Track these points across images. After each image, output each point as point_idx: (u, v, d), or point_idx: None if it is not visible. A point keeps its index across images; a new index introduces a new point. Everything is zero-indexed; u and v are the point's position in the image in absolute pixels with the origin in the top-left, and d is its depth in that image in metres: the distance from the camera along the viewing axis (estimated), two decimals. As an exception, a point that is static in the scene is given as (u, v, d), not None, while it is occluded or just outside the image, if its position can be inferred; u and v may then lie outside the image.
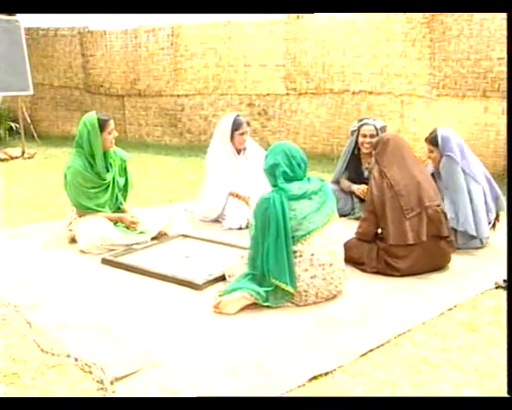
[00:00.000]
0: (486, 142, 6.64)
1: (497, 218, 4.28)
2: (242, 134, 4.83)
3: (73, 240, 4.07)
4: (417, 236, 3.51)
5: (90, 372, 2.35)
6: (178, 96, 9.06)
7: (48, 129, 10.21)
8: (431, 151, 4.19)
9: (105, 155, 4.19)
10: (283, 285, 2.98)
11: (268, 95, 8.35)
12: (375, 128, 4.74)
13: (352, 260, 3.71)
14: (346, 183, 4.89)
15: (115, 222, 4.14)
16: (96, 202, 4.12)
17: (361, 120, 4.95)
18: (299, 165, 3.15)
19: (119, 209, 4.29)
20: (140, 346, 2.59)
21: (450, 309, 3.08)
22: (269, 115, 8.44)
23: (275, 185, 3.15)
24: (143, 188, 6.23)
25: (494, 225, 4.28)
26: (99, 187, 4.15)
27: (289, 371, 2.39)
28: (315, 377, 2.35)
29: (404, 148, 3.83)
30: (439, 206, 3.67)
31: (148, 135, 9.56)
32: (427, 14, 6.78)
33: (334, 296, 3.20)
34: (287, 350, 2.58)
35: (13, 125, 9.31)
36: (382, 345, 2.66)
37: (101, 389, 2.24)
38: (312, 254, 3.03)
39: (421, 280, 3.48)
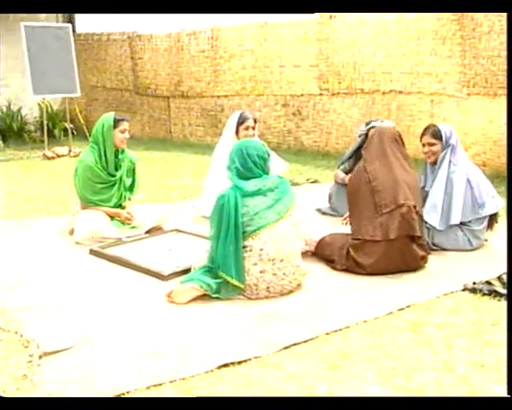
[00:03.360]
0: (518, 142, 6.34)
1: (495, 219, 4.17)
2: (247, 128, 4.92)
3: (74, 232, 4.37)
4: (386, 233, 3.50)
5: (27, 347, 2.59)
6: (218, 97, 9.30)
7: (101, 129, 10.78)
8: (432, 144, 4.12)
9: (116, 154, 4.47)
10: (229, 278, 3.10)
11: (302, 95, 8.39)
12: None
13: (324, 257, 3.78)
14: (341, 174, 4.90)
15: (112, 217, 4.41)
16: (101, 197, 4.41)
17: (369, 123, 4.92)
18: (254, 163, 3.25)
19: (120, 205, 4.54)
20: (84, 326, 2.81)
21: (402, 309, 3.07)
22: (303, 115, 8.48)
23: (233, 182, 3.26)
24: (166, 185, 6.50)
25: (491, 226, 4.17)
26: (106, 183, 4.44)
27: (205, 357, 2.51)
28: (226, 365, 2.46)
29: (390, 143, 3.79)
30: (414, 207, 3.62)
31: (191, 135, 9.88)
32: (457, 11, 6.59)
33: (290, 292, 3.27)
34: (214, 338, 2.70)
35: (67, 125, 9.91)
36: (312, 339, 2.71)
37: (30, 362, 2.46)
38: (261, 250, 3.13)
39: (386, 279, 3.47)
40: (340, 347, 2.65)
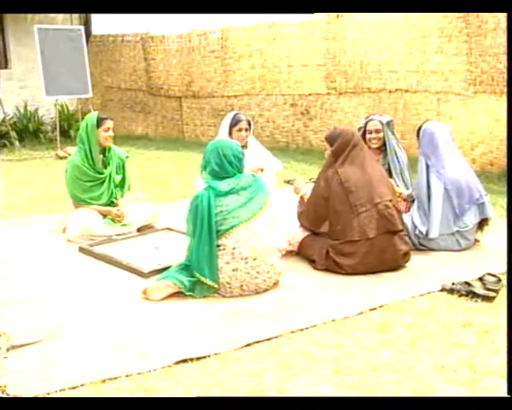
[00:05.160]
0: (525, 141, 6.22)
1: (486, 223, 4.11)
2: (240, 130, 4.86)
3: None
4: (363, 232, 3.49)
5: (-2, 341, 2.68)
6: (228, 97, 9.36)
7: (115, 129, 10.72)
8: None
9: (104, 152, 4.57)
10: (203, 278, 3.14)
11: (310, 95, 8.38)
12: (381, 123, 4.67)
13: (306, 256, 3.79)
14: None
15: (104, 215, 4.49)
16: (91, 194, 4.50)
17: (368, 117, 4.92)
18: (230, 162, 3.27)
19: (112, 203, 4.62)
20: (56, 321, 2.89)
21: (374, 309, 3.06)
22: (311, 115, 8.47)
23: (206, 182, 3.30)
24: (169, 184, 6.58)
25: (481, 229, 4.11)
26: (95, 181, 4.53)
27: (166, 352, 2.56)
28: (185, 361, 2.50)
29: (362, 146, 3.80)
30: (390, 201, 3.62)
31: (202, 134, 9.95)
32: (462, 8, 6.49)
33: (266, 290, 3.29)
34: (178, 334, 2.75)
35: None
36: (276, 337, 2.73)
37: (-4, 354, 2.55)
38: (234, 248, 3.16)
39: (364, 279, 3.46)
40: (302, 346, 2.66)
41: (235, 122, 4.89)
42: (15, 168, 7.75)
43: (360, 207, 3.50)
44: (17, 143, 9.30)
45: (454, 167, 4.01)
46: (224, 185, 3.22)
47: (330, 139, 3.80)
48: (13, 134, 9.35)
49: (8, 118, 9.64)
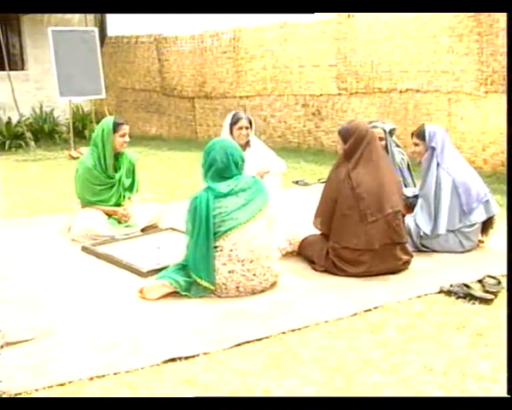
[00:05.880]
0: (537, 142, 6.12)
1: (490, 225, 4.05)
2: (241, 128, 4.83)
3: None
4: (369, 243, 3.45)
5: (-7, 338, 2.73)
6: (240, 97, 9.38)
7: (130, 130, 10.99)
8: (416, 144, 4.14)
9: (116, 156, 4.59)
10: (198, 280, 3.16)
11: (321, 95, 8.36)
12: (384, 131, 4.63)
13: (306, 257, 3.78)
14: None
15: (110, 215, 4.53)
16: (100, 197, 4.53)
17: (371, 122, 4.87)
18: (236, 163, 3.28)
19: (120, 205, 4.64)
20: (52, 319, 2.93)
21: (369, 310, 3.04)
22: (322, 115, 8.45)
23: (206, 183, 3.31)
24: (178, 185, 6.62)
25: (486, 231, 4.06)
26: (105, 185, 4.56)
27: (155, 351, 2.58)
28: (174, 360, 2.52)
29: (376, 143, 3.74)
30: (400, 211, 3.58)
31: (215, 135, 9.94)
32: (473, 7, 6.41)
33: (262, 291, 3.30)
34: (169, 333, 2.77)
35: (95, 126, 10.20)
36: (267, 338, 2.74)
37: (-9, 351, 2.60)
38: (231, 250, 3.17)
39: (362, 280, 3.44)
40: (293, 346, 2.66)
41: (235, 120, 4.86)
42: (30, 169, 7.89)
43: (370, 216, 3.43)
44: (32, 143, 9.43)
45: (460, 169, 3.99)
46: (223, 187, 3.23)
47: (344, 134, 3.64)
48: (28, 135, 9.50)
49: (23, 119, 9.79)
